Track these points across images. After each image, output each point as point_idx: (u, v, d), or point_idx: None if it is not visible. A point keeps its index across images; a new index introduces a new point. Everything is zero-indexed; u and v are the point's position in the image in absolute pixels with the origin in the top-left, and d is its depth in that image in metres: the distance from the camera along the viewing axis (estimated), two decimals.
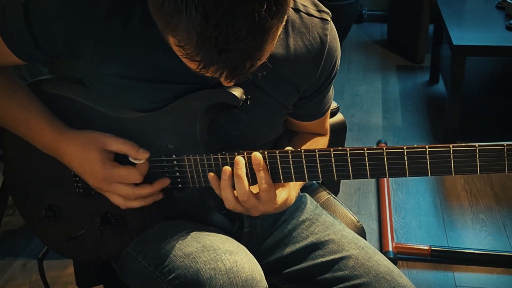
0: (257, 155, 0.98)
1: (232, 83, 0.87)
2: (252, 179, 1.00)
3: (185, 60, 0.81)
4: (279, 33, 0.80)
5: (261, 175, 0.97)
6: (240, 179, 0.97)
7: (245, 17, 0.73)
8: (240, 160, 0.98)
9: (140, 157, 1.02)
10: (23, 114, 1.04)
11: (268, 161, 0.99)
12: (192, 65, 0.81)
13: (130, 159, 1.03)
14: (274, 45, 0.82)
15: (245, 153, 0.99)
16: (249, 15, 0.73)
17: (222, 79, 0.82)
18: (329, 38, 1.05)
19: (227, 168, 0.98)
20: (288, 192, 1.03)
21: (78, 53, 0.97)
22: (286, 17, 0.79)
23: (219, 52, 0.76)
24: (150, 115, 1.02)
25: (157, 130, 1.03)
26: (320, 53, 1.04)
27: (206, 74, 0.81)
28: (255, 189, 0.99)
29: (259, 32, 0.75)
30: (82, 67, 1.01)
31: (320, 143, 1.19)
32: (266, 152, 0.99)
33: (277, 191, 1.00)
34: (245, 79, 0.84)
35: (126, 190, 1.03)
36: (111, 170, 1.02)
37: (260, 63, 0.81)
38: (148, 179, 1.04)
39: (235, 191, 0.99)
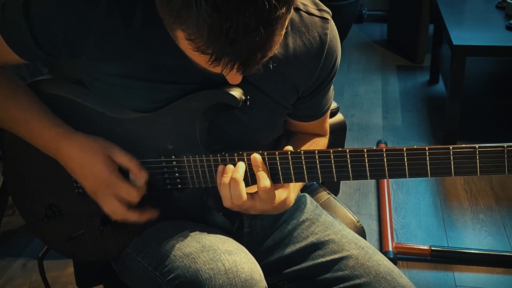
0: (256, 156, 0.98)
1: (240, 77, 0.87)
2: (252, 180, 1.00)
3: (195, 54, 0.80)
4: (287, 23, 0.80)
5: (260, 175, 0.97)
6: (236, 182, 0.97)
7: (255, 7, 0.73)
8: (240, 164, 0.98)
9: (140, 176, 1.03)
10: (23, 115, 1.04)
11: (268, 162, 0.99)
12: (203, 59, 0.80)
13: (130, 176, 1.03)
14: (282, 36, 0.81)
15: (245, 154, 0.99)
16: (259, 5, 0.73)
17: (233, 72, 0.81)
18: (329, 37, 1.04)
19: (229, 167, 0.98)
20: (288, 193, 1.03)
21: (78, 51, 0.97)
22: (293, 7, 0.79)
23: (230, 43, 0.75)
24: (149, 116, 1.02)
25: (156, 131, 1.03)
26: (320, 52, 1.04)
27: (216, 69, 0.81)
28: (254, 188, 0.99)
29: (269, 22, 0.76)
30: (81, 66, 1.01)
31: (319, 144, 1.19)
32: (266, 153, 0.99)
33: (276, 192, 1.00)
34: (256, 71, 0.83)
35: (118, 209, 1.03)
36: (116, 179, 1.02)
37: (271, 54, 0.81)
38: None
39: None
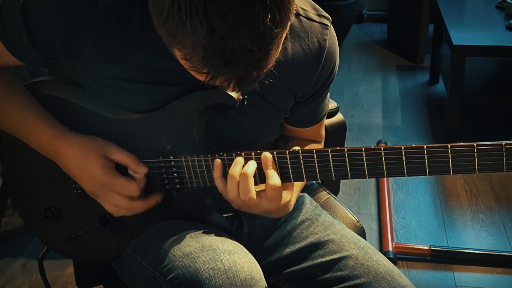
0: (266, 154, 0.97)
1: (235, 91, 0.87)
2: (260, 179, 0.99)
3: (193, 73, 0.81)
4: (283, 40, 0.80)
5: (270, 173, 0.97)
6: (246, 177, 0.95)
7: (250, 29, 0.73)
8: (251, 162, 0.97)
9: (139, 170, 1.03)
10: (21, 116, 1.04)
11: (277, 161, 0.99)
12: (200, 77, 0.81)
13: (129, 171, 1.03)
14: (278, 53, 0.81)
15: (243, 154, 0.99)
16: (254, 26, 0.73)
17: (229, 89, 0.82)
18: (328, 43, 1.04)
19: (239, 159, 0.97)
20: (291, 195, 1.03)
21: (75, 54, 0.97)
22: (289, 24, 0.79)
23: (225, 64, 0.76)
24: (147, 116, 1.02)
25: (155, 131, 1.03)
26: (318, 58, 1.04)
27: (214, 84, 0.81)
28: (259, 187, 0.98)
29: (264, 42, 0.75)
30: (80, 68, 1.01)
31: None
32: (275, 152, 0.98)
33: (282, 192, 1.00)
34: (252, 88, 0.84)
35: (121, 202, 1.03)
36: (112, 178, 1.02)
37: (266, 71, 0.81)
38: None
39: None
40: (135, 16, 0.94)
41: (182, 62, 0.80)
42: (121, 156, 1.03)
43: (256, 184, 0.98)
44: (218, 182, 1.00)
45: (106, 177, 1.02)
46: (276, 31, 0.75)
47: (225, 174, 1.00)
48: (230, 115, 1.04)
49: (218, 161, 0.99)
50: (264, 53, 0.77)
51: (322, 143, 1.24)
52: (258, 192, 0.98)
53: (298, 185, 1.10)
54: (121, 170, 1.04)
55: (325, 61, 1.05)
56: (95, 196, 1.05)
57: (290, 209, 1.05)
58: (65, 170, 1.06)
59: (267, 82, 0.87)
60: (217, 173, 0.99)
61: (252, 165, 0.97)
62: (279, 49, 0.80)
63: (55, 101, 1.07)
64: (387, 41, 4.30)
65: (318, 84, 1.08)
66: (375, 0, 4.70)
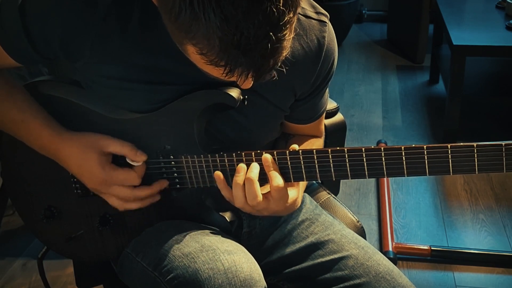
0: (267, 156, 0.97)
1: (250, 84, 0.86)
2: (262, 179, 0.99)
3: (209, 68, 0.79)
4: (294, 25, 0.79)
5: (272, 175, 0.97)
6: (251, 182, 0.96)
7: (264, 15, 0.73)
8: (254, 164, 0.97)
9: (138, 159, 1.03)
10: (20, 116, 1.04)
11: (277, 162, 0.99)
12: (217, 72, 0.79)
13: (128, 160, 1.03)
14: (291, 40, 0.80)
15: (244, 154, 0.99)
16: (268, 12, 0.73)
17: (248, 80, 0.80)
18: (326, 40, 1.04)
19: (241, 166, 0.97)
20: (297, 192, 1.03)
21: (75, 54, 0.97)
22: (299, 10, 0.79)
23: (243, 53, 0.75)
24: (147, 116, 1.02)
25: (155, 131, 1.03)
26: (318, 55, 1.04)
27: (231, 80, 0.80)
28: (265, 189, 0.99)
29: (278, 28, 0.75)
30: (79, 69, 1.01)
31: (315, 144, 1.19)
32: (275, 152, 0.98)
33: (288, 190, 0.99)
34: (270, 77, 0.82)
35: (124, 192, 1.03)
36: (110, 172, 1.02)
37: (282, 58, 0.80)
38: (146, 180, 1.05)
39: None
40: (135, 16, 0.94)
41: (196, 58, 0.79)
42: (117, 147, 1.03)
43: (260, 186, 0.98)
44: (225, 192, 1.00)
45: (104, 173, 1.02)
46: (289, 15, 0.75)
47: (227, 178, 1.00)
48: (230, 115, 1.04)
49: (218, 173, 0.99)
50: (279, 39, 0.76)
51: (323, 137, 1.24)
52: (264, 195, 0.97)
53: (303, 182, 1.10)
54: (121, 160, 1.04)
55: (324, 58, 1.05)
56: (97, 192, 1.05)
57: (298, 205, 1.05)
58: (67, 169, 1.06)
59: (269, 79, 0.87)
60: (220, 185, 0.99)
61: (255, 169, 0.97)
62: (292, 36, 0.79)
63: (55, 101, 1.07)
64: (387, 41, 4.30)
65: (317, 81, 1.08)
66: (375, 0, 4.70)
